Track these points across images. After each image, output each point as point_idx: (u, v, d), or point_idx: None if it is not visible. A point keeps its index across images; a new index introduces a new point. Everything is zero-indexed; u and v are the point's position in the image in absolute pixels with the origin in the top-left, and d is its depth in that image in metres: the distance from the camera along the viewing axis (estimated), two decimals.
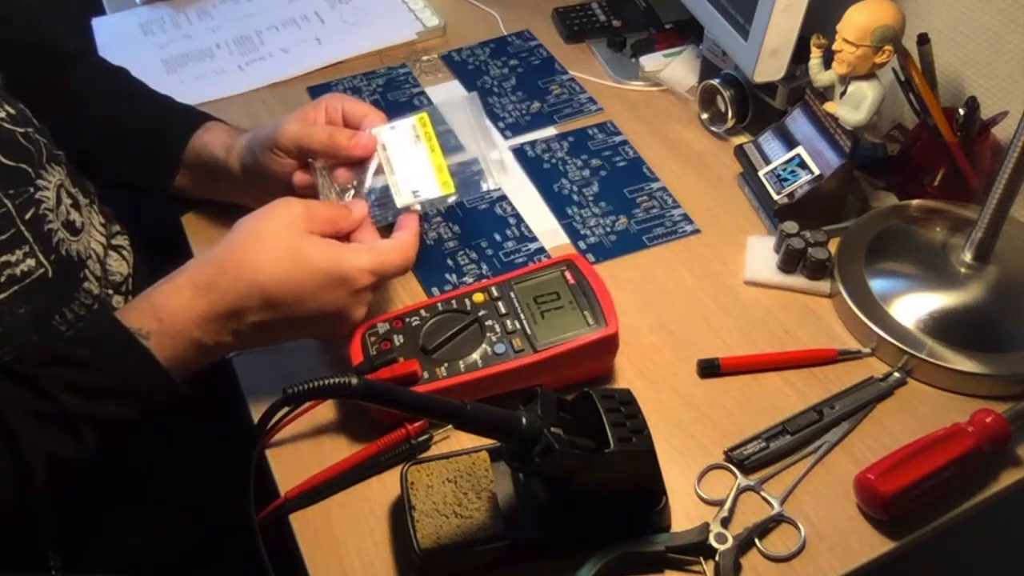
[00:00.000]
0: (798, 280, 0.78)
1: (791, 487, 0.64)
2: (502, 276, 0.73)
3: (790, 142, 0.85)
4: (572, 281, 0.71)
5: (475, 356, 0.67)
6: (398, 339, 0.69)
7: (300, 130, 0.74)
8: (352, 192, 0.74)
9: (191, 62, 1.07)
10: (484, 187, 0.75)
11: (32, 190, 0.69)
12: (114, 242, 0.81)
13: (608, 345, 0.69)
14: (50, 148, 0.74)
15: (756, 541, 0.61)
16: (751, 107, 0.92)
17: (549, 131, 0.96)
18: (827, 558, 0.61)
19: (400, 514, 0.62)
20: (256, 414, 0.70)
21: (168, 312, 0.62)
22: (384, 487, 0.65)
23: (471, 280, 0.80)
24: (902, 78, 0.81)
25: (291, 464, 0.67)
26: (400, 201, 0.73)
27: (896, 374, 0.71)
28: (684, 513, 0.63)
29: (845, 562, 0.60)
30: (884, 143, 0.90)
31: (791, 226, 0.78)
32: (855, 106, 0.77)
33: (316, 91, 1.02)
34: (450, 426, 0.67)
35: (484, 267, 0.82)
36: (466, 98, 0.78)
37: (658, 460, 0.59)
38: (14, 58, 0.79)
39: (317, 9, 1.15)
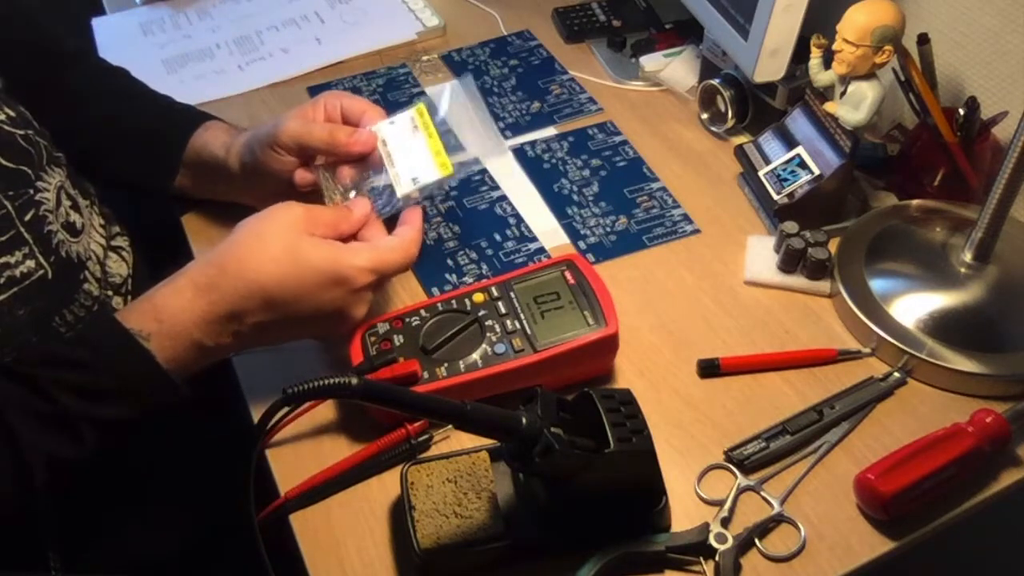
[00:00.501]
0: (798, 280, 0.78)
1: (791, 487, 0.64)
2: (502, 276, 0.73)
3: (790, 142, 0.85)
4: (572, 281, 0.71)
5: (475, 356, 0.67)
6: (398, 339, 0.69)
7: (300, 128, 0.74)
8: (354, 193, 0.74)
9: (191, 62, 1.07)
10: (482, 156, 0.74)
11: (32, 192, 0.69)
12: (114, 243, 0.81)
13: (608, 345, 0.69)
14: (50, 150, 0.74)
15: (756, 541, 0.61)
16: (751, 107, 0.92)
17: (549, 131, 0.96)
18: (827, 558, 0.61)
19: (400, 514, 0.62)
20: (256, 414, 0.70)
21: (169, 313, 0.62)
22: (384, 487, 0.65)
23: (471, 280, 0.80)
24: (902, 78, 0.81)
25: (291, 464, 0.67)
26: (401, 191, 0.72)
27: (896, 374, 0.71)
28: (684, 513, 0.63)
29: (845, 562, 0.60)
30: (884, 143, 0.90)
31: (791, 226, 0.78)
32: (855, 106, 0.77)
33: (316, 91, 1.02)
34: (450, 426, 0.67)
35: (484, 267, 0.82)
36: (458, 83, 0.78)
37: (658, 460, 0.59)
38: (14, 60, 0.79)
39: (317, 9, 1.15)
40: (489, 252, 0.83)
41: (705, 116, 0.96)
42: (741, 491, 0.64)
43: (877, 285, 0.75)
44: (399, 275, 0.80)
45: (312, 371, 0.73)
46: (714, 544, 0.60)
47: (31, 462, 0.58)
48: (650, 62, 1.02)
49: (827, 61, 0.79)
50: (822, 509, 0.63)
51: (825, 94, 0.81)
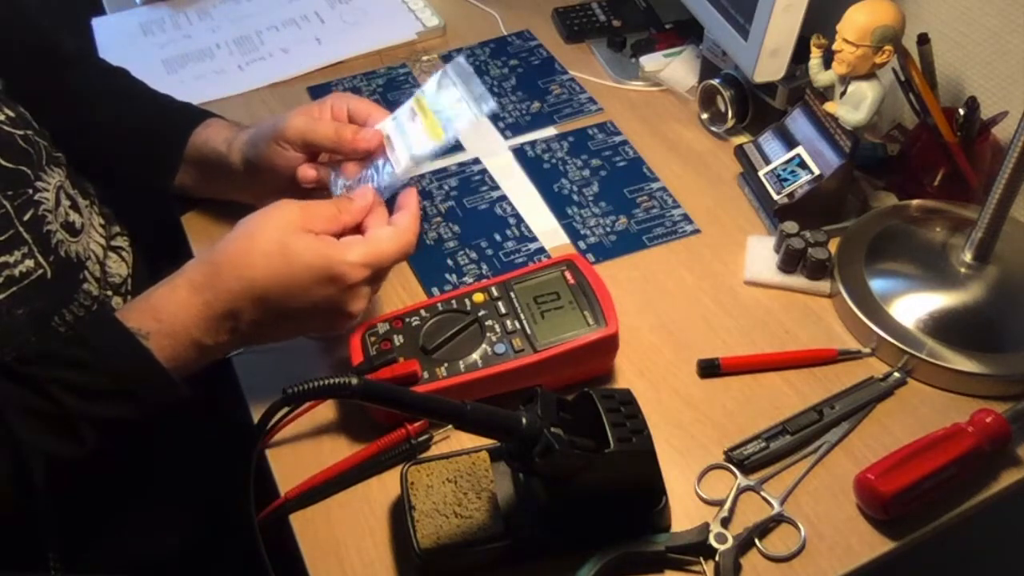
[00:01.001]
0: (798, 280, 0.78)
1: (791, 487, 0.64)
2: (502, 276, 0.73)
3: (790, 142, 0.85)
4: (572, 281, 0.71)
5: (475, 356, 0.67)
6: (398, 339, 0.69)
7: (305, 123, 0.74)
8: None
9: (191, 62, 1.07)
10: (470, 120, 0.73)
11: (31, 192, 0.69)
12: (114, 243, 0.81)
13: (608, 345, 0.69)
14: (50, 150, 0.74)
15: (756, 541, 0.61)
16: (751, 107, 0.92)
17: (549, 131, 0.96)
18: (827, 558, 0.61)
19: (400, 514, 0.62)
20: (256, 414, 0.70)
21: (167, 312, 0.62)
22: (384, 487, 0.65)
23: (471, 280, 0.80)
24: (902, 78, 0.81)
25: (291, 464, 0.67)
26: (400, 168, 0.72)
27: (896, 374, 0.71)
28: (684, 513, 0.63)
29: (845, 562, 0.60)
30: (884, 143, 0.90)
31: (791, 226, 0.78)
32: (855, 106, 0.77)
33: (316, 91, 1.02)
34: (450, 426, 0.67)
35: (484, 267, 0.82)
36: (449, 67, 0.77)
37: (658, 460, 0.59)
38: (15, 61, 0.79)
39: (317, 9, 1.15)
40: (489, 252, 0.83)
41: (705, 116, 0.96)
42: (741, 491, 0.64)
43: (877, 285, 0.75)
44: (398, 270, 0.80)
45: (312, 371, 0.73)
46: (714, 544, 0.60)
47: (30, 461, 0.58)
48: (650, 62, 1.02)
49: (827, 61, 0.79)
50: (822, 509, 0.63)
51: (825, 94, 0.81)
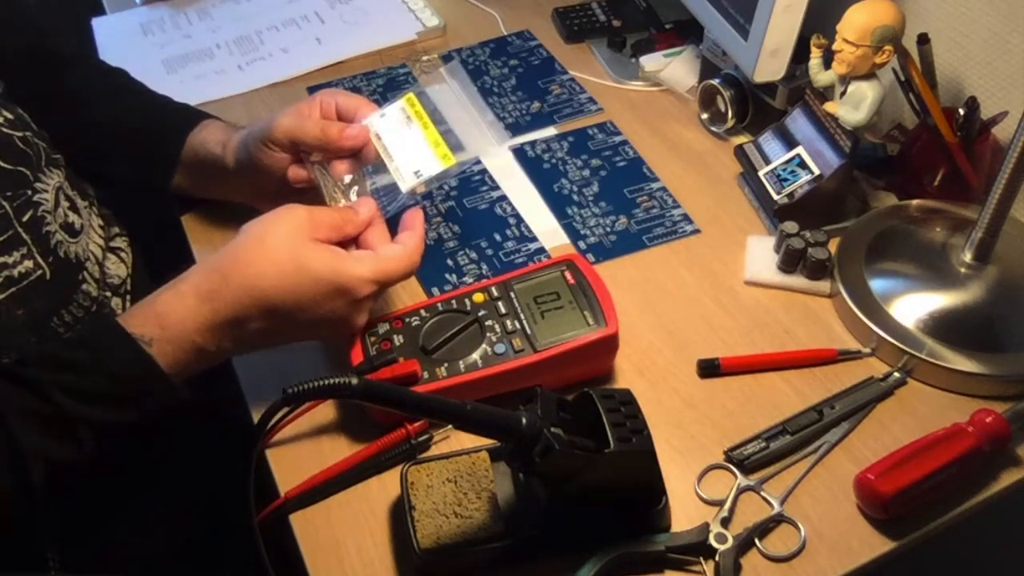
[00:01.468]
0: (798, 280, 0.78)
1: (791, 487, 0.64)
2: (502, 276, 0.73)
3: (790, 142, 0.85)
4: (572, 281, 0.71)
5: (475, 356, 0.67)
6: (398, 339, 0.69)
7: (292, 124, 0.74)
8: (356, 189, 0.74)
9: (191, 62, 1.07)
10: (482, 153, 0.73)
11: (30, 192, 0.69)
12: (113, 244, 0.81)
13: (608, 345, 0.69)
14: (49, 152, 0.74)
15: (756, 541, 0.61)
16: (751, 107, 0.92)
17: (549, 131, 0.96)
18: (827, 558, 0.61)
19: (400, 514, 0.62)
20: (256, 414, 0.70)
21: (171, 320, 0.62)
22: (384, 487, 0.65)
23: (471, 280, 0.80)
24: (902, 78, 0.81)
25: (291, 464, 0.67)
26: (405, 186, 0.72)
27: (896, 374, 0.71)
28: (684, 513, 0.63)
29: (845, 562, 0.60)
30: (884, 143, 0.90)
31: (791, 226, 0.78)
32: (855, 106, 0.77)
33: (316, 91, 1.01)
34: (450, 426, 0.67)
35: (484, 267, 0.82)
36: (446, 70, 0.77)
37: (658, 460, 0.59)
38: (14, 63, 0.79)
39: (317, 9, 1.15)
40: (489, 252, 0.83)
41: (705, 116, 0.96)
42: (741, 491, 0.64)
43: (877, 285, 0.75)
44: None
45: (312, 371, 0.73)
46: (714, 544, 0.60)
47: (29, 463, 0.58)
48: (650, 62, 1.02)
49: (827, 61, 0.79)
50: (822, 509, 0.63)
51: (825, 94, 0.81)
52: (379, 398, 0.51)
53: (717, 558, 0.59)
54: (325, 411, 0.70)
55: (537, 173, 0.91)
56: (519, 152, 0.94)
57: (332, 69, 1.05)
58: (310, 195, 0.74)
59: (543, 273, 0.72)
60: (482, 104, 0.72)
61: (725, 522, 0.62)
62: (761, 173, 0.85)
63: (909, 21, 0.74)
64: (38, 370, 0.59)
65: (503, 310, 0.70)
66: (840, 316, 0.76)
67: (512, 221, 0.86)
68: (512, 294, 0.71)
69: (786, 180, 0.83)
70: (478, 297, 0.71)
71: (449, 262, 0.82)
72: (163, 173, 0.83)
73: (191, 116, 0.84)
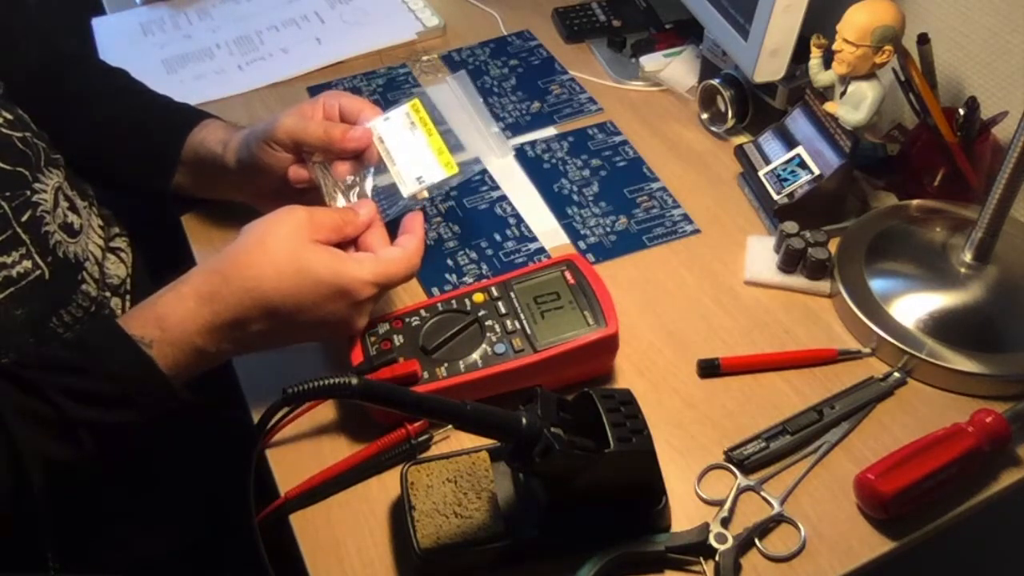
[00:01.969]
0: (798, 280, 0.78)
1: (791, 487, 0.64)
2: (502, 276, 0.73)
3: (790, 142, 0.85)
4: (572, 281, 0.71)
5: (475, 356, 0.67)
6: (398, 339, 0.69)
7: (295, 124, 0.74)
8: (357, 190, 0.74)
9: (191, 62, 1.07)
10: (486, 164, 0.74)
11: (29, 193, 0.69)
12: (112, 244, 0.81)
13: (608, 345, 0.69)
14: (48, 152, 0.74)
15: (756, 541, 0.61)
16: (751, 107, 0.92)
17: (549, 131, 0.96)
18: (827, 558, 0.61)
19: (400, 514, 0.62)
20: (256, 414, 0.70)
21: (172, 322, 0.61)
22: (384, 487, 0.65)
23: (471, 280, 0.80)
24: (902, 78, 0.81)
25: (291, 464, 0.67)
26: (406, 191, 0.73)
27: (896, 374, 0.71)
28: (684, 513, 0.63)
29: (845, 562, 0.60)
30: (884, 143, 0.90)
31: (791, 226, 0.78)
32: (855, 106, 0.77)
33: (316, 91, 1.02)
34: (450, 426, 0.67)
35: (484, 267, 0.82)
36: (453, 78, 0.77)
37: (658, 460, 0.59)
38: (14, 63, 0.79)
39: (317, 9, 1.15)
40: (489, 252, 0.83)
41: (705, 116, 0.96)
42: (741, 491, 0.64)
43: (877, 285, 0.75)
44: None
45: (312, 371, 0.73)
46: (714, 544, 0.60)
47: (28, 464, 0.58)
48: (650, 62, 1.02)
49: (827, 61, 0.79)
50: (822, 509, 0.63)
51: (825, 94, 0.81)
52: (379, 398, 0.51)
53: (717, 558, 0.59)
54: (325, 411, 0.70)
55: (537, 173, 0.91)
56: (519, 152, 0.94)
57: (332, 69, 1.05)
58: (311, 195, 0.74)
59: (543, 273, 0.72)
60: (488, 116, 0.72)
61: (725, 522, 0.62)
62: (761, 173, 0.85)
63: (909, 21, 0.74)
64: (38, 371, 0.59)
65: (503, 310, 0.70)
66: (840, 316, 0.76)
67: (512, 221, 0.86)
68: (512, 294, 0.71)
69: (786, 180, 0.83)
70: (478, 297, 0.71)
71: (449, 262, 0.82)
72: (163, 173, 0.83)
73: (191, 116, 0.84)
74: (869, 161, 0.87)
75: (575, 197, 0.88)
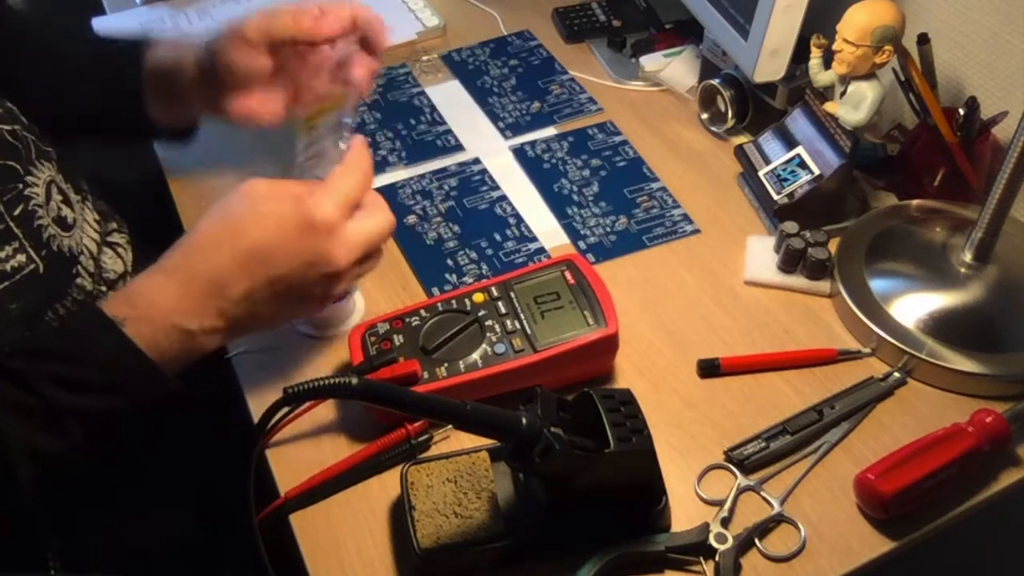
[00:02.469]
0: (798, 280, 0.78)
1: (791, 487, 0.64)
2: (502, 276, 0.73)
3: (790, 142, 0.85)
4: (572, 281, 0.71)
5: (475, 356, 0.67)
6: (398, 339, 0.69)
7: (263, 18, 0.72)
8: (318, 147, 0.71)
9: None
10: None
11: (21, 186, 0.69)
12: (110, 239, 0.81)
13: (608, 345, 0.69)
14: (39, 145, 0.74)
15: (756, 541, 0.61)
16: (751, 107, 0.92)
17: (549, 131, 0.96)
18: (827, 558, 0.61)
19: (400, 514, 0.62)
20: (256, 414, 0.70)
21: (143, 299, 0.60)
22: (384, 487, 0.65)
23: (471, 280, 0.80)
24: (902, 78, 0.81)
25: (291, 464, 0.66)
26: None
27: (896, 374, 0.71)
28: (684, 513, 0.63)
29: (845, 562, 0.60)
30: (884, 143, 0.90)
31: (791, 226, 0.78)
32: (855, 106, 0.77)
33: None
34: (450, 426, 0.67)
35: (484, 267, 0.82)
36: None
37: (658, 460, 0.59)
38: None
39: None
40: (489, 252, 0.83)
41: (705, 116, 0.96)
42: (741, 491, 0.64)
43: (877, 285, 0.75)
44: (399, 270, 0.80)
45: (312, 371, 0.73)
46: (714, 544, 0.60)
47: (15, 457, 0.57)
48: (650, 62, 1.02)
49: (827, 61, 0.79)
50: (822, 509, 0.63)
51: (825, 94, 0.81)
52: (379, 398, 0.51)
53: (717, 558, 0.59)
54: (325, 411, 0.70)
55: (537, 173, 0.91)
56: (519, 152, 0.94)
57: None
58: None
59: (543, 273, 0.72)
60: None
61: (725, 522, 0.62)
62: (761, 173, 0.85)
63: (909, 21, 0.74)
64: (21, 360, 0.58)
65: (503, 310, 0.70)
66: (840, 316, 0.76)
67: (512, 221, 0.86)
68: (512, 294, 0.71)
69: (786, 180, 0.83)
70: (478, 297, 0.71)
71: (449, 262, 0.82)
72: (133, 96, 0.81)
73: (137, 44, 0.82)
74: (869, 161, 0.87)
75: (575, 197, 0.88)
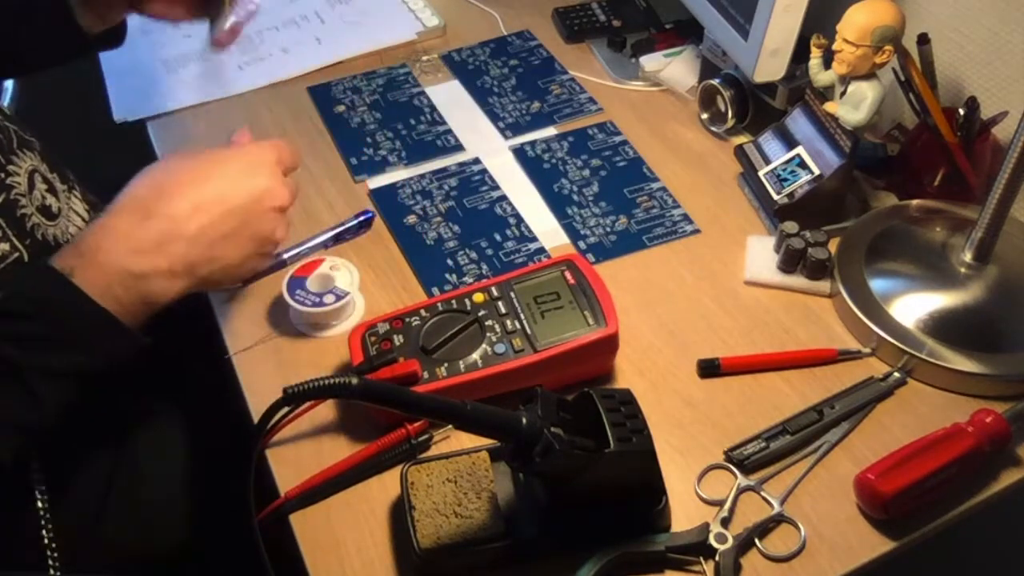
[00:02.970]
0: (798, 280, 0.78)
1: (791, 487, 0.64)
2: (502, 276, 0.73)
3: (790, 142, 0.85)
4: (572, 281, 0.71)
5: (475, 356, 0.67)
6: (398, 339, 0.69)
7: None
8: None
9: (191, 62, 1.07)
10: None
11: (3, 176, 0.69)
12: None
13: (608, 345, 0.69)
14: (20, 135, 0.74)
15: (756, 541, 0.61)
16: (751, 107, 0.92)
17: (549, 131, 0.96)
18: (827, 558, 0.61)
19: (400, 514, 0.62)
20: (256, 414, 0.70)
21: (88, 246, 0.59)
22: (384, 487, 0.65)
23: (471, 280, 0.80)
24: (902, 78, 0.81)
25: (291, 464, 0.66)
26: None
27: (896, 374, 0.71)
28: (684, 513, 0.63)
29: (845, 562, 0.60)
30: (884, 143, 0.90)
31: (791, 226, 0.78)
32: (855, 106, 0.77)
33: (316, 91, 1.02)
34: (450, 426, 0.67)
35: (484, 267, 0.82)
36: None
37: (658, 460, 0.59)
38: None
39: (317, 9, 1.15)
40: (489, 252, 0.83)
41: (705, 116, 0.96)
42: (741, 491, 0.64)
43: (877, 285, 0.75)
44: (399, 270, 0.80)
45: (312, 371, 0.73)
46: (714, 544, 0.60)
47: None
48: (650, 62, 1.02)
49: (827, 61, 0.79)
50: (822, 509, 0.63)
51: (825, 94, 0.81)
52: (379, 398, 0.51)
53: (717, 558, 0.59)
54: (325, 411, 0.70)
55: (537, 173, 0.91)
56: (519, 152, 0.94)
57: (332, 69, 1.05)
58: None
59: (543, 273, 0.72)
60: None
61: (725, 522, 0.62)
62: (761, 173, 0.85)
63: (909, 21, 0.74)
64: None
65: (503, 310, 0.70)
66: (840, 316, 0.76)
67: (512, 221, 0.86)
68: (512, 294, 0.71)
69: (786, 180, 0.83)
70: (478, 297, 0.71)
71: (449, 262, 0.82)
72: (66, 18, 0.79)
73: None
74: (869, 161, 0.87)
75: (575, 197, 0.88)
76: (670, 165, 0.91)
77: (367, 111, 0.99)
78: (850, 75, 0.76)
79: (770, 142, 0.87)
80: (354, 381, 0.49)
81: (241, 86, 1.03)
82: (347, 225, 0.83)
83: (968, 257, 0.74)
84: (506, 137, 0.96)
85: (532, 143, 0.95)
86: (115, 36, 0.85)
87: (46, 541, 0.68)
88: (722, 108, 0.93)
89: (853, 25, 0.73)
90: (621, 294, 0.77)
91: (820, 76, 0.80)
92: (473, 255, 0.83)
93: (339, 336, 0.74)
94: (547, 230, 0.85)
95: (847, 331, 0.75)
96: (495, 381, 0.67)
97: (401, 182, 0.90)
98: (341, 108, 0.99)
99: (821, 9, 0.79)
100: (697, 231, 0.84)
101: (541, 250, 0.83)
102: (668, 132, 0.96)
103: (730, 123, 0.92)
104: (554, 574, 0.59)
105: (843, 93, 0.78)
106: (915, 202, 0.83)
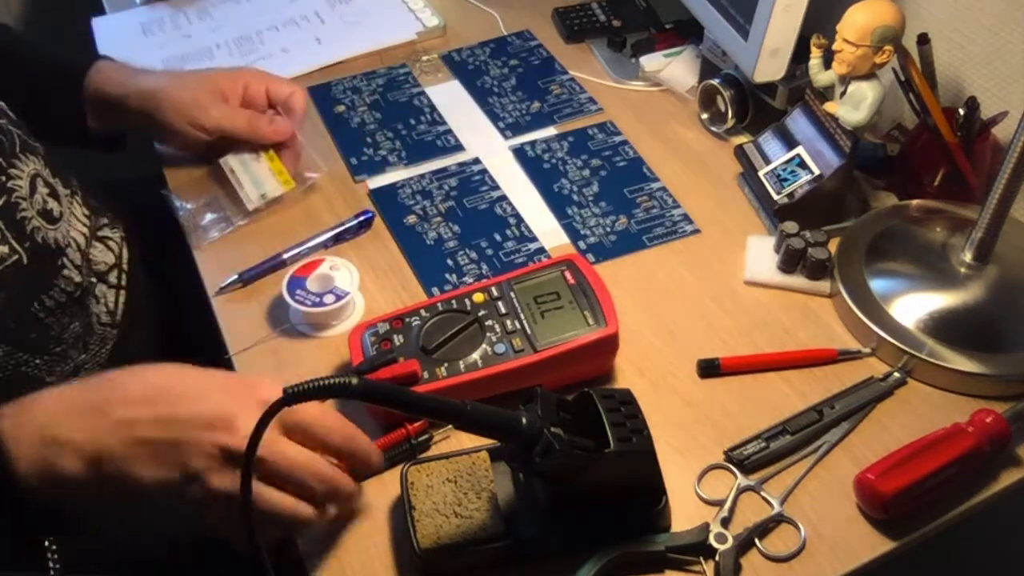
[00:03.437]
0: (798, 280, 0.78)
1: (791, 487, 0.64)
2: (502, 276, 0.73)
3: (790, 142, 0.85)
4: (572, 281, 0.71)
5: (475, 356, 0.67)
6: (398, 339, 0.69)
7: (223, 116, 0.80)
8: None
9: (191, 62, 1.07)
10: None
11: (4, 179, 0.69)
12: (100, 233, 0.81)
13: (608, 345, 0.69)
14: (24, 139, 0.75)
15: (756, 541, 0.61)
16: (751, 107, 0.92)
17: (549, 131, 0.96)
18: (827, 558, 0.61)
19: (400, 514, 0.62)
20: None
21: (32, 400, 0.56)
22: (384, 487, 0.65)
23: (471, 280, 0.80)
24: (902, 78, 0.81)
25: None
26: (251, 205, 0.83)
27: (896, 374, 0.71)
28: (684, 513, 0.63)
29: (845, 562, 0.60)
30: (884, 143, 0.90)
31: (791, 226, 0.78)
32: (855, 106, 0.77)
33: (316, 91, 1.02)
34: (450, 426, 0.67)
35: (484, 267, 0.82)
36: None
37: (658, 460, 0.59)
38: None
39: (317, 9, 1.15)
40: (489, 252, 0.83)
41: (705, 116, 0.96)
42: (741, 491, 0.64)
43: (877, 285, 0.75)
44: (399, 270, 0.80)
45: (312, 371, 0.73)
46: (714, 544, 0.60)
47: None
48: (650, 62, 1.02)
49: (827, 61, 0.79)
50: (822, 509, 0.63)
51: (825, 94, 0.81)
52: (379, 398, 0.51)
53: (717, 558, 0.59)
54: None
55: (537, 173, 0.91)
56: (519, 152, 0.94)
57: (332, 69, 1.05)
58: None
59: (543, 273, 0.72)
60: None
61: (725, 522, 0.62)
62: (761, 173, 0.85)
63: (909, 21, 0.74)
64: None
65: (503, 310, 0.70)
66: (840, 316, 0.76)
67: (512, 221, 0.86)
68: (512, 294, 0.71)
69: (786, 180, 0.83)
70: (478, 297, 0.71)
71: (449, 262, 0.82)
72: (75, 121, 0.85)
73: (80, 63, 0.86)
74: (869, 161, 0.87)
75: (575, 197, 0.88)
76: (670, 165, 0.91)
77: (367, 111, 0.99)
78: (850, 75, 0.76)
79: (770, 142, 0.87)
80: (354, 381, 0.49)
81: None
82: (347, 225, 0.83)
83: (968, 257, 0.74)
84: (506, 137, 0.96)
85: (532, 143, 0.95)
86: (116, 142, 0.91)
87: (46, 541, 0.68)
88: (722, 108, 0.93)
89: (853, 25, 0.73)
90: (621, 294, 0.77)
91: (820, 76, 0.80)
92: (473, 255, 0.83)
93: (339, 336, 0.74)
94: (547, 230, 0.85)
95: (847, 331, 0.75)
96: (495, 381, 0.67)
97: (401, 182, 0.90)
98: (341, 108, 1.00)
99: (821, 9, 0.79)
100: (697, 231, 0.84)
101: (541, 250, 0.83)
102: (668, 132, 0.96)
103: (730, 123, 0.92)
104: (554, 574, 0.59)
105: (843, 93, 0.78)
106: (915, 202, 0.83)
